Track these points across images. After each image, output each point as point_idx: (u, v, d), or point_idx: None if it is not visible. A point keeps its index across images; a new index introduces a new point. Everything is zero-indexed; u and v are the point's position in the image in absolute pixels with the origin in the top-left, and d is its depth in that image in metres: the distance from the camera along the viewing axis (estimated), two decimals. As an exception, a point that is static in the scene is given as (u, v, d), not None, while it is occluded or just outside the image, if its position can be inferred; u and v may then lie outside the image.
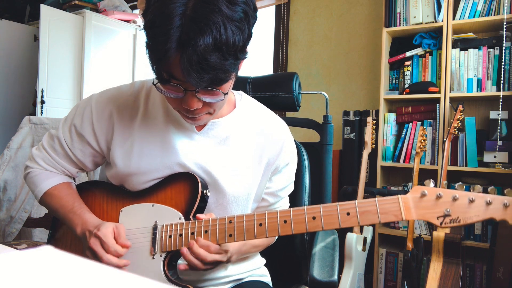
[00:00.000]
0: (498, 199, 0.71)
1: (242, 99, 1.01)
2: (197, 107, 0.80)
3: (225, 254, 0.86)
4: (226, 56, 0.72)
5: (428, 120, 2.37)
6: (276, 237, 1.06)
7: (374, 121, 2.39)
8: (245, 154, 0.95)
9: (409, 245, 2.03)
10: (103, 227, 0.87)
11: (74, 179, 1.07)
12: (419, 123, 2.40)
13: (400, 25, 2.41)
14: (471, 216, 0.72)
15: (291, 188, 1.06)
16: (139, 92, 0.96)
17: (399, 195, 0.76)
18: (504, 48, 2.17)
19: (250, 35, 0.77)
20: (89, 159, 1.00)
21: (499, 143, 2.10)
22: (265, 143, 0.96)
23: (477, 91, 2.24)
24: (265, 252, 1.07)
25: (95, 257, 0.86)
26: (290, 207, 1.09)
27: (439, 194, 0.74)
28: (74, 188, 1.02)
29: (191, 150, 0.92)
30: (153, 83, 0.80)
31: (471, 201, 0.72)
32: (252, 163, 0.95)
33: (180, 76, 0.74)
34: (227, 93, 0.81)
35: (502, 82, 2.15)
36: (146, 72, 3.86)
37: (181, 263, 0.91)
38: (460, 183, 0.75)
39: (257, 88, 1.30)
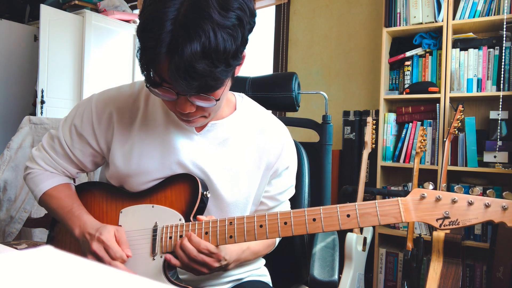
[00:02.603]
0: (497, 202, 0.72)
1: (243, 101, 1.01)
2: (190, 111, 0.79)
3: (217, 260, 0.84)
4: (216, 63, 0.71)
5: (428, 120, 2.37)
6: (276, 244, 1.06)
7: (374, 121, 2.39)
8: (244, 156, 0.95)
9: (409, 245, 2.03)
10: (104, 231, 0.87)
11: (74, 180, 1.07)
12: (419, 123, 2.40)
13: (400, 25, 2.41)
14: (470, 219, 0.73)
15: (291, 192, 1.06)
16: (139, 93, 0.96)
17: (399, 198, 0.76)
18: (504, 48, 2.17)
19: (245, 41, 0.76)
20: (89, 159, 1.00)
21: (499, 143, 2.10)
22: (265, 145, 0.96)
23: (477, 91, 2.24)
24: (265, 252, 1.07)
25: (100, 262, 0.86)
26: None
27: (438, 196, 0.75)
28: (74, 189, 1.02)
29: (191, 151, 0.92)
30: (146, 85, 0.79)
31: (470, 203, 0.73)
32: (251, 165, 0.95)
33: (169, 81, 0.73)
34: (219, 99, 0.80)
35: (502, 82, 2.15)
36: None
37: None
38: (459, 185, 0.76)
39: (256, 88, 1.30)
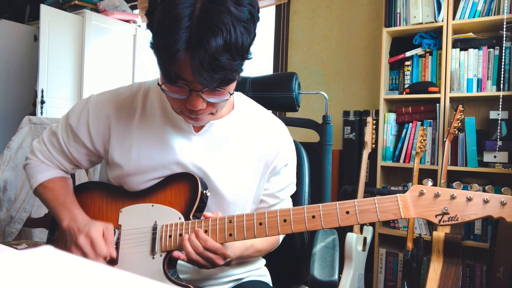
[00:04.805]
0: (496, 197, 0.72)
1: (240, 100, 1.01)
2: (201, 107, 0.80)
3: (222, 258, 0.84)
4: (235, 57, 0.73)
5: (428, 120, 2.37)
6: (280, 241, 1.06)
7: (374, 121, 2.39)
8: (243, 155, 0.95)
9: (409, 245, 2.03)
10: (93, 227, 0.88)
11: (74, 179, 1.08)
12: (419, 123, 2.40)
13: (400, 25, 2.41)
14: (469, 214, 0.73)
15: (291, 189, 1.05)
16: (137, 93, 0.97)
17: (398, 194, 0.77)
18: (504, 48, 2.17)
19: (255, 36, 0.78)
20: (84, 158, 1.02)
21: (499, 143, 2.10)
22: (263, 143, 0.96)
23: (477, 91, 2.24)
24: (265, 252, 1.07)
25: (84, 257, 0.86)
26: (289, 207, 1.08)
27: (437, 192, 0.75)
28: (70, 184, 1.04)
29: (189, 151, 0.92)
30: (158, 83, 0.81)
31: (469, 199, 0.73)
32: (250, 164, 0.95)
33: (189, 76, 0.74)
34: (233, 93, 0.82)
35: (502, 82, 2.15)
36: (146, 72, 3.86)
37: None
38: (458, 182, 0.75)
39: (257, 88, 1.30)
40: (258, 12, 0.78)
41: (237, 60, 0.73)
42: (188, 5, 0.70)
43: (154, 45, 0.75)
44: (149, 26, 0.76)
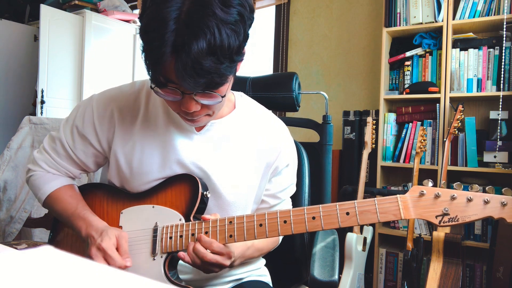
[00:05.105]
0: (496, 198, 0.72)
1: (242, 99, 1.01)
2: (195, 110, 0.80)
3: (228, 258, 0.84)
4: (221, 60, 0.72)
5: (428, 120, 2.37)
6: (280, 241, 1.05)
7: (374, 121, 2.39)
8: (244, 154, 0.95)
9: (409, 245, 2.03)
10: (106, 237, 0.85)
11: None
12: (419, 123, 2.40)
13: (400, 25, 2.41)
14: (470, 215, 0.73)
15: (292, 189, 1.06)
16: (139, 92, 0.96)
17: (398, 195, 0.76)
18: (504, 48, 2.17)
19: (246, 37, 0.77)
20: (91, 160, 1.00)
21: (499, 143, 2.10)
22: (264, 144, 0.96)
23: (477, 91, 2.24)
24: (265, 252, 1.07)
25: None
26: (289, 207, 1.08)
27: (438, 193, 0.75)
28: (77, 190, 1.02)
29: (191, 151, 0.92)
30: (150, 86, 0.80)
31: (469, 200, 0.73)
32: (251, 164, 0.95)
33: (176, 80, 0.74)
34: (225, 95, 0.81)
35: (502, 82, 2.15)
36: (145, 72, 3.85)
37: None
38: (459, 182, 0.75)
39: (257, 88, 1.30)
40: (251, 12, 0.77)
41: (224, 63, 0.72)
42: (175, 8, 0.70)
43: (143, 49, 0.75)
44: (139, 30, 0.76)
